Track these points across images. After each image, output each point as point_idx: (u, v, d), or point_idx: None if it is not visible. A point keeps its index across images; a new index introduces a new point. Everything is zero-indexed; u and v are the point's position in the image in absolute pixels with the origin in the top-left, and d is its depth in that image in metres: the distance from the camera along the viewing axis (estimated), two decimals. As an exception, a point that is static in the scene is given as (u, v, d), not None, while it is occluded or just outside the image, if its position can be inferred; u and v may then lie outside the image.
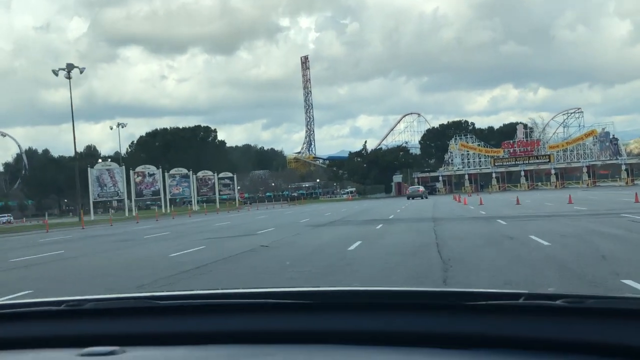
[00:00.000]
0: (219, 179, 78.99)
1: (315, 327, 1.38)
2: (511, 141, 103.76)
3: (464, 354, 1.22)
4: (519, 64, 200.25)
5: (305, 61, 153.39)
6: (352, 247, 14.42)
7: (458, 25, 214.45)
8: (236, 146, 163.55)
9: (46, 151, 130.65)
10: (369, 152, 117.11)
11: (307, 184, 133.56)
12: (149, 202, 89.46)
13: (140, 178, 63.48)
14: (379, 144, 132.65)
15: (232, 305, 1.49)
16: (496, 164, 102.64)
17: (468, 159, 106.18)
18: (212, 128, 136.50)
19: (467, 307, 1.33)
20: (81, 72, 53.44)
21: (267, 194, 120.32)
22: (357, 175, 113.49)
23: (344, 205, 60.68)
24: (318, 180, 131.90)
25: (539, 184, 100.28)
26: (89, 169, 58.87)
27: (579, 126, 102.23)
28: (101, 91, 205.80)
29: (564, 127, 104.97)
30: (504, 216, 24.83)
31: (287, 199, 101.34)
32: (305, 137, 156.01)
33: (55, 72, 53.25)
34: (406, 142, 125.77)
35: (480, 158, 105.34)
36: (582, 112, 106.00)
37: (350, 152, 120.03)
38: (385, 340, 1.31)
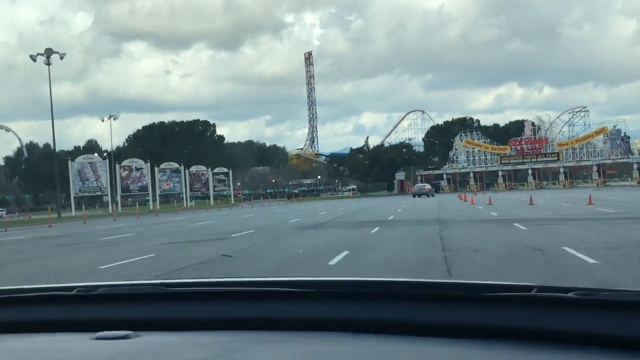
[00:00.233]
0: (214, 174, 75.67)
1: (325, 315, 1.39)
2: (518, 138, 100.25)
3: (475, 344, 1.23)
4: (524, 62, 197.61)
5: (308, 57, 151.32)
6: (333, 261, 11.08)
7: (463, 23, 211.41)
8: (238, 142, 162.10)
9: (47, 145, 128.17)
10: (370, 148, 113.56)
11: (308, 181, 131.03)
12: (147, 199, 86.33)
13: (126, 172, 60.01)
14: (382, 142, 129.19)
15: (241, 293, 1.51)
16: (503, 162, 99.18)
17: (473, 157, 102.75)
18: (211, 122, 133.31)
19: (478, 298, 1.34)
20: (61, 58, 50.15)
21: (268, 190, 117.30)
22: (359, 172, 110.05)
23: (343, 203, 57.33)
24: (319, 177, 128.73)
25: (547, 182, 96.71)
26: (69, 162, 55.45)
27: (585, 125, 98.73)
28: (105, 86, 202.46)
29: (570, 125, 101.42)
30: (520, 219, 21.45)
31: (287, 196, 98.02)
32: (308, 134, 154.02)
33: (33, 58, 49.96)
34: (409, 139, 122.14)
35: (486, 155, 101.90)
36: (588, 110, 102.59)
37: (351, 148, 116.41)
38: (395, 329, 1.31)
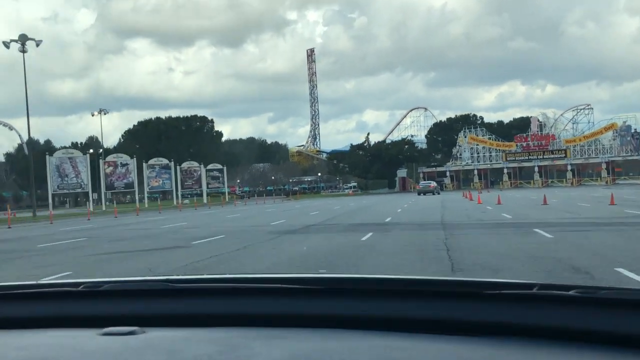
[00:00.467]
0: (208, 170, 72.32)
1: (330, 312, 1.40)
2: (524, 134, 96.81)
3: (478, 341, 1.24)
4: (527, 60, 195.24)
5: (311, 54, 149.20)
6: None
7: (466, 21, 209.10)
8: (240, 139, 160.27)
9: (48, 142, 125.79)
10: (371, 145, 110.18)
11: (309, 178, 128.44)
12: (140, 196, 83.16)
13: (111, 168, 56.56)
14: (384, 139, 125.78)
15: (247, 289, 1.52)
16: (508, 159, 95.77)
17: (478, 153, 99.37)
18: (209, 118, 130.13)
19: (480, 295, 1.35)
20: (37, 45, 46.96)
21: (268, 187, 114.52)
22: (359, 169, 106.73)
23: (341, 201, 54.12)
24: (319, 174, 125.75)
25: (554, 180, 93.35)
26: (47, 157, 52.05)
27: (589, 123, 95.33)
28: (108, 83, 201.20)
29: (574, 123, 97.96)
30: (538, 222, 18.25)
31: (286, 194, 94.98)
32: (310, 131, 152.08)
33: (7, 44, 46.75)
34: (412, 136, 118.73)
35: (490, 152, 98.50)
36: (592, 108, 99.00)
37: (352, 144, 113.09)
38: (398, 326, 1.33)
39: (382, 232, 17.17)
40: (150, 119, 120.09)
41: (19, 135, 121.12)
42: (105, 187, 56.76)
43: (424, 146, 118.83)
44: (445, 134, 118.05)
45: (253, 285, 1.57)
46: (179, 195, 65.96)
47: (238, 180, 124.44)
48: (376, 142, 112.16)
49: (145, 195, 61.15)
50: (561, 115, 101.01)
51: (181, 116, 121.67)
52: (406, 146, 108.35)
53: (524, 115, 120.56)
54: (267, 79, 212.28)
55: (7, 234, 25.74)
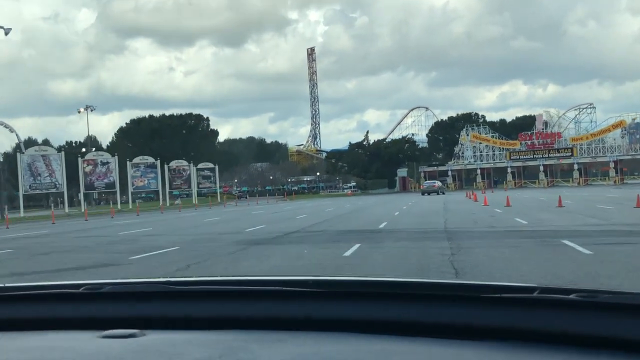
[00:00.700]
0: (198, 169, 69.14)
1: (329, 315, 1.39)
2: (529, 132, 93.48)
3: (478, 345, 1.23)
4: (528, 60, 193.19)
5: (311, 53, 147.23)
6: None
7: (468, 20, 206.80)
8: (240, 138, 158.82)
9: (46, 141, 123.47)
10: (371, 143, 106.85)
11: (308, 178, 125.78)
12: (124, 197, 80.00)
13: (90, 167, 53.10)
14: (385, 138, 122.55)
15: (247, 292, 1.51)
16: (512, 158, 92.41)
17: (480, 152, 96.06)
18: (205, 116, 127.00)
19: (481, 299, 1.34)
20: (6, 34, 43.75)
21: (267, 187, 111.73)
22: (358, 168, 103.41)
23: (337, 202, 50.90)
24: (318, 174, 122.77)
25: (559, 180, 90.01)
26: (18, 154, 48.78)
27: (591, 122, 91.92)
28: (109, 82, 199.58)
29: (576, 122, 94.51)
30: (563, 230, 15.06)
31: (284, 194, 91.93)
32: (311, 131, 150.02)
33: (-26, 33, 43.51)
34: (412, 134, 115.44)
35: (494, 151, 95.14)
36: (595, 107, 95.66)
37: (350, 142, 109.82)
38: (398, 330, 1.32)
39: (372, 243, 13.93)
40: (144, 117, 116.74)
41: (17, 135, 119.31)
42: (85, 187, 53.36)
43: (425, 146, 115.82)
44: (446, 132, 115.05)
45: (253, 287, 1.54)
46: (166, 196, 62.76)
47: (236, 180, 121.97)
48: (375, 140, 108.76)
49: (130, 195, 57.87)
50: (563, 114, 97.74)
51: (175, 114, 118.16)
52: (406, 145, 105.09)
53: (526, 114, 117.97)
54: (268, 79, 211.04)
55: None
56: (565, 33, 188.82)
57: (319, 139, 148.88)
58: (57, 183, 48.65)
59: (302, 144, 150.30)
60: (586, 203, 30.02)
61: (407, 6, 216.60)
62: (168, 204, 60.43)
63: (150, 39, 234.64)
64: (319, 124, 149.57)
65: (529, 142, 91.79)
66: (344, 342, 1.28)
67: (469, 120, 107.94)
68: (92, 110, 75.27)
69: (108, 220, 34.77)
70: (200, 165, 69.88)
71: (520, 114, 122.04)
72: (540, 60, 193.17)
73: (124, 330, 1.32)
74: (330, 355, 1.21)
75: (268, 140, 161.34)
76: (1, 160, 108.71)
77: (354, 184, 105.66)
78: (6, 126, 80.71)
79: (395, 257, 11.25)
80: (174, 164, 64.39)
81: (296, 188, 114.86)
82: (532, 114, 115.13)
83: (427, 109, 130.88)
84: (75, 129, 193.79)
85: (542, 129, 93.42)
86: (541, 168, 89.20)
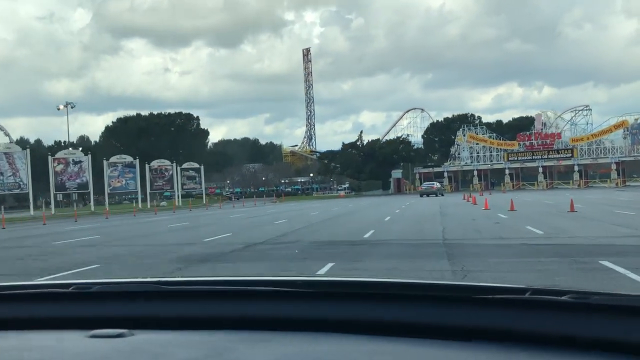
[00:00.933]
0: (183, 170, 65.73)
1: (318, 315, 1.39)
2: (527, 133, 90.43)
3: (469, 346, 1.23)
4: (524, 62, 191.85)
5: (307, 54, 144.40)
6: None
7: (464, 22, 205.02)
8: (234, 139, 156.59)
9: (38, 141, 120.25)
10: (364, 143, 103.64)
11: (302, 179, 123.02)
12: (128, 197, 76.73)
13: (61, 166, 49.54)
14: (379, 139, 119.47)
15: (237, 292, 1.51)
16: (510, 159, 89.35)
17: (477, 153, 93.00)
18: (195, 115, 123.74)
19: (473, 300, 1.33)
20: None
21: (260, 188, 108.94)
22: (352, 169, 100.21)
23: (326, 205, 47.68)
24: (312, 175, 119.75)
25: (559, 182, 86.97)
26: (-24, 152, 45.29)
27: (587, 124, 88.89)
28: (104, 83, 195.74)
29: (572, 124, 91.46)
30: (593, 244, 11.90)
31: (276, 195, 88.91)
32: (306, 132, 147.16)
33: None
34: (408, 135, 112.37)
35: (491, 152, 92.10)
36: (591, 109, 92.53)
37: (343, 142, 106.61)
38: (388, 330, 1.31)
39: (349, 261, 10.71)
40: (131, 116, 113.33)
41: (8, 135, 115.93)
42: (55, 187, 49.77)
43: (421, 147, 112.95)
44: (442, 134, 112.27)
45: (242, 288, 1.53)
46: (147, 197, 59.41)
47: (228, 181, 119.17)
48: (370, 140, 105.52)
49: (107, 197, 54.42)
50: (559, 116, 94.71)
51: (163, 113, 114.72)
52: (401, 145, 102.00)
53: (522, 115, 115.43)
54: (264, 80, 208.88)
55: None
56: (560, 35, 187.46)
57: (314, 140, 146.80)
58: (21, 183, 45.21)
59: (296, 145, 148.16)
60: (600, 207, 26.88)
61: (403, 8, 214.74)
62: (149, 206, 57.17)
63: (146, 39, 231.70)
64: (314, 125, 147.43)
65: (527, 143, 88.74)
66: (332, 342, 1.27)
67: (465, 121, 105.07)
68: (72, 107, 71.86)
69: (66, 224, 31.41)
70: (184, 165, 66.50)
71: (515, 116, 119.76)
72: (536, 63, 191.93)
73: (112, 330, 1.31)
74: (318, 355, 1.20)
75: (263, 141, 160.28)
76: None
77: (347, 185, 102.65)
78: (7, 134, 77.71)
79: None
80: (155, 163, 60.96)
81: (290, 189, 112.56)
82: (529, 115, 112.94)
83: (422, 110, 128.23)
84: (71, 129, 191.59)
85: (541, 129, 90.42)
86: (540, 169, 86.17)
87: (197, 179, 67.96)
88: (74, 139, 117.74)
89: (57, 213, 46.07)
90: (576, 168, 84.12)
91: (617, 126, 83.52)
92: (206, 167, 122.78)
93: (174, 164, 61.97)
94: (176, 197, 61.34)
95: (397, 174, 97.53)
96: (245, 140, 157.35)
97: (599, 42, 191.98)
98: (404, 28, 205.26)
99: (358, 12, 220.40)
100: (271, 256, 12.26)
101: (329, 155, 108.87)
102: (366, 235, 16.11)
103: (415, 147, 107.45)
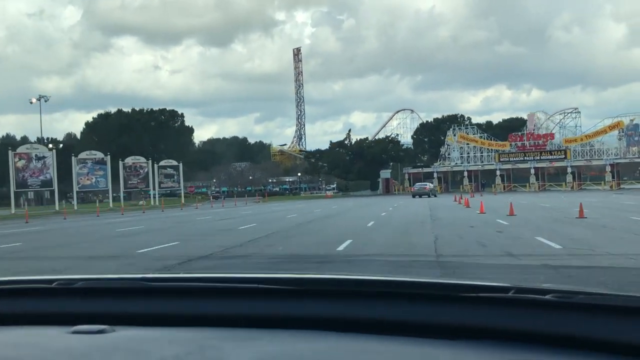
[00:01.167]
0: (160, 167, 62.39)
1: (304, 313, 1.39)
2: (519, 133, 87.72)
3: (453, 345, 1.23)
4: (513, 64, 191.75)
5: (297, 53, 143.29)
6: None
7: (454, 24, 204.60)
8: (223, 138, 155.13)
9: (25, 138, 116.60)
10: (353, 142, 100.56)
11: (290, 179, 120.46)
12: (108, 195, 73.11)
13: (23, 162, 46.10)
14: (367, 138, 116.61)
15: (220, 290, 1.49)
16: (501, 160, 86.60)
17: (468, 154, 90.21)
18: (179, 112, 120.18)
19: (456, 298, 1.34)
20: None
21: (248, 188, 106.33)
22: (339, 168, 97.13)
23: (310, 205, 44.59)
24: (300, 174, 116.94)
25: (552, 184, 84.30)
26: None
27: (576, 127, 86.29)
28: (94, 80, 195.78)
29: (561, 127, 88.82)
30: (634, 266, 8.82)
31: (262, 195, 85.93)
32: (296, 131, 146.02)
33: None
34: (397, 135, 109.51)
35: (482, 152, 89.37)
36: (580, 112, 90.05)
37: (331, 141, 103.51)
38: (374, 328, 1.31)
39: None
40: (111, 112, 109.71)
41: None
42: (16, 184, 46.18)
43: (410, 147, 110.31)
44: (432, 134, 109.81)
45: (227, 285, 1.51)
46: (121, 196, 56.01)
47: (214, 180, 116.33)
48: (358, 139, 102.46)
49: (75, 196, 50.94)
50: (548, 119, 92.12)
51: (145, 109, 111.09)
52: (390, 144, 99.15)
53: (513, 116, 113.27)
54: (254, 79, 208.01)
55: None
56: (550, 38, 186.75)
57: (304, 139, 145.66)
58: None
59: (285, 144, 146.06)
60: (609, 213, 23.92)
61: (393, 9, 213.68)
62: (122, 205, 53.77)
63: (136, 37, 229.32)
64: (304, 125, 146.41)
65: (519, 144, 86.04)
66: (317, 340, 1.26)
67: (455, 121, 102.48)
68: (46, 101, 68.21)
69: (7, 226, 28.06)
70: (162, 163, 63.17)
71: (505, 117, 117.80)
72: (525, 65, 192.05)
73: (93, 326, 1.30)
74: (302, 353, 1.19)
75: (250, 140, 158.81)
76: None
77: (334, 185, 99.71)
78: None
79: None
80: (129, 160, 57.53)
81: (277, 189, 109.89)
82: (519, 116, 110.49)
83: (412, 111, 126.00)
84: (60, 126, 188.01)
85: (534, 130, 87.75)
86: (532, 171, 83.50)
87: (176, 177, 64.65)
88: (61, 136, 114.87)
89: (17, 212, 42.60)
90: (569, 170, 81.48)
91: (612, 127, 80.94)
92: (192, 166, 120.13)
93: (150, 161, 58.58)
94: (152, 196, 57.97)
95: (385, 174, 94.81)
96: (234, 139, 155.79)
97: (588, 45, 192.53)
98: (395, 29, 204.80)
99: (349, 13, 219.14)
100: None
101: (316, 154, 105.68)
102: (340, 248, 12.96)
103: (404, 147, 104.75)
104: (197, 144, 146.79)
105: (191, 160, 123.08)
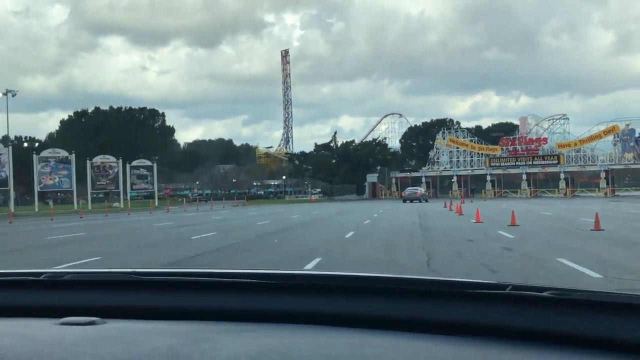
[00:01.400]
0: (132, 167, 58.79)
1: (300, 308, 1.39)
2: (511, 137, 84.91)
3: (449, 341, 1.23)
4: (501, 71, 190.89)
5: (285, 55, 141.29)
6: None
7: (443, 29, 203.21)
8: (209, 140, 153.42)
9: (6, 137, 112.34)
10: (339, 145, 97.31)
11: (276, 182, 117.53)
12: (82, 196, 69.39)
13: (-26, 160, 42.67)
14: (353, 140, 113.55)
15: (212, 283, 1.50)
16: (492, 164, 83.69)
17: (457, 158, 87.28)
18: (160, 112, 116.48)
19: (453, 294, 1.35)
20: None
21: (232, 191, 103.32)
22: (324, 171, 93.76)
23: (290, 210, 41.34)
24: (284, 178, 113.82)
25: (545, 190, 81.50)
26: None
27: (564, 132, 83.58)
28: (81, 80, 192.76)
29: (550, 133, 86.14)
30: None
31: (246, 198, 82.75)
32: (283, 134, 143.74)
33: None
34: (385, 138, 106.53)
35: (472, 157, 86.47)
36: (568, 118, 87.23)
37: (316, 143, 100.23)
38: (370, 324, 1.31)
39: None
40: (87, 110, 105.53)
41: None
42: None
43: (398, 151, 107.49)
44: (420, 139, 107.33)
45: (221, 279, 1.50)
46: (89, 197, 52.38)
47: (197, 182, 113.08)
48: (344, 142, 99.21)
49: (36, 196, 47.29)
50: (536, 125, 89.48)
51: (124, 107, 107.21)
52: (378, 148, 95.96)
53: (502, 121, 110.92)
54: (243, 81, 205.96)
55: None
56: (538, 45, 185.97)
57: (292, 142, 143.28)
58: None
59: (271, 146, 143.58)
60: (626, 224, 20.81)
61: (383, 13, 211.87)
62: (90, 207, 50.26)
63: (124, 37, 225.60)
64: (291, 128, 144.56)
65: (510, 148, 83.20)
66: (312, 333, 1.26)
67: (444, 126, 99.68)
68: (13, 96, 64.33)
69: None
70: (134, 163, 59.54)
71: (495, 122, 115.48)
72: (513, 72, 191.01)
73: (83, 318, 1.29)
74: (297, 347, 1.18)
75: (236, 142, 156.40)
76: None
77: (319, 189, 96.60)
78: None
79: None
80: (98, 159, 53.87)
81: (262, 192, 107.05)
82: (508, 121, 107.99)
83: (400, 115, 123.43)
84: (45, 126, 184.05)
85: (526, 134, 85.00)
86: (524, 177, 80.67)
87: (150, 178, 61.00)
88: (43, 136, 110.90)
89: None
90: (562, 176, 78.69)
91: (607, 132, 78.26)
92: (175, 167, 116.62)
93: (120, 161, 54.97)
94: (121, 198, 54.37)
95: (372, 178, 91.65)
96: (220, 141, 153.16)
97: (576, 53, 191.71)
98: (384, 33, 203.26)
99: (339, 16, 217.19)
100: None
101: (301, 156, 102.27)
102: (309, 266, 9.67)
103: (392, 151, 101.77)
104: (181, 145, 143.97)
105: (173, 161, 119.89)
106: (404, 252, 12.72)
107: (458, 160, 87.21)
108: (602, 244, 13.81)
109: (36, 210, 45.23)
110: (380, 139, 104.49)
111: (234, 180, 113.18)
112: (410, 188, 66.02)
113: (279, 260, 11.51)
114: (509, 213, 22.99)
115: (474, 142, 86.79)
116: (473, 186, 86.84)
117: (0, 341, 1.19)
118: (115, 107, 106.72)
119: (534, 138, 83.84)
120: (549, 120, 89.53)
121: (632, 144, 75.70)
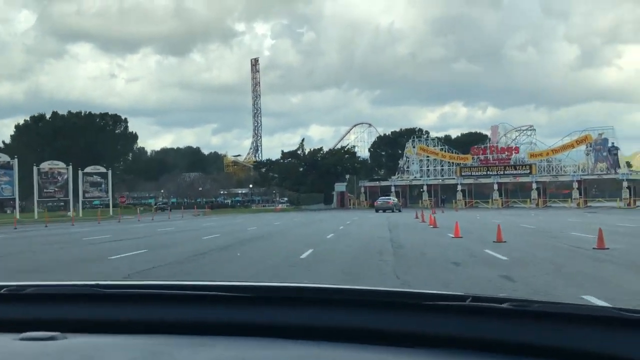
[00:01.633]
0: (85, 174, 54.88)
1: (260, 320, 1.38)
2: (482, 146, 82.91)
3: (408, 353, 1.23)
4: (469, 82, 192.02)
5: (255, 64, 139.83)
6: None
7: (412, 40, 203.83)
8: (177, 148, 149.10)
9: None
10: (306, 152, 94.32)
11: (243, 190, 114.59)
12: (53, 203, 65.10)
13: None
14: (321, 148, 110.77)
15: (176, 296, 1.48)
16: (463, 174, 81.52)
17: (427, 167, 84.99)
18: (123, 117, 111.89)
19: (413, 306, 1.34)
20: None
21: (198, 199, 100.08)
22: (291, 180, 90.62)
23: (245, 222, 38.12)
24: (251, 186, 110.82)
25: (516, 200, 79.54)
26: None
27: (531, 144, 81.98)
28: (47, 87, 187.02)
29: (517, 144, 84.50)
30: None
31: (201, 207, 79.45)
32: (252, 143, 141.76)
33: None
34: (353, 147, 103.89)
35: (442, 166, 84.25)
36: (535, 129, 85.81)
37: (282, 151, 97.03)
38: (328, 336, 1.30)
39: None
40: (45, 115, 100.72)
41: None
42: None
43: (367, 160, 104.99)
44: (389, 148, 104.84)
45: (182, 292, 1.49)
46: (35, 205, 48.41)
47: (162, 191, 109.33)
48: (311, 149, 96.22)
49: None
50: (504, 135, 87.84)
51: (83, 112, 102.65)
52: (346, 156, 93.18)
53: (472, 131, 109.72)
54: (213, 90, 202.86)
55: None
56: (505, 58, 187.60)
57: (261, 151, 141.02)
58: None
59: (239, 155, 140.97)
60: (625, 239, 18.08)
61: (353, 25, 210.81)
62: (36, 216, 46.40)
63: (92, 44, 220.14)
64: (261, 137, 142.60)
65: (482, 157, 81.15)
66: (274, 347, 1.25)
67: (413, 135, 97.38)
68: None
69: None
70: (87, 169, 55.62)
71: (464, 132, 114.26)
72: (481, 83, 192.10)
73: (43, 333, 1.26)
74: (257, 359, 1.19)
75: (204, 150, 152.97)
76: None
77: (285, 199, 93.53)
78: None
79: None
80: (46, 165, 49.93)
81: (229, 201, 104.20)
82: (478, 131, 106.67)
83: (370, 125, 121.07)
84: (9, 132, 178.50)
85: (497, 143, 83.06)
86: (495, 186, 78.63)
87: (104, 185, 57.14)
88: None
89: None
90: (535, 186, 76.80)
91: (579, 141, 76.65)
92: (142, 175, 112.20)
93: (70, 167, 51.08)
94: (71, 205, 50.44)
95: (340, 187, 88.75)
96: (188, 149, 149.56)
97: (542, 66, 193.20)
98: (354, 44, 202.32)
99: (309, 26, 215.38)
100: None
101: (267, 164, 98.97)
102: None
103: (361, 159, 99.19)
104: (149, 153, 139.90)
105: (138, 169, 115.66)
106: (372, 281, 9.69)
107: (428, 170, 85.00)
108: (622, 270, 10.93)
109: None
110: (348, 146, 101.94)
111: (200, 189, 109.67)
112: (383, 197, 63.82)
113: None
114: (488, 226, 20.28)
115: (445, 151, 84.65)
116: (443, 196, 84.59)
117: None
118: (74, 111, 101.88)
119: (506, 147, 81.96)
120: (517, 131, 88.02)
121: (604, 153, 74.16)
